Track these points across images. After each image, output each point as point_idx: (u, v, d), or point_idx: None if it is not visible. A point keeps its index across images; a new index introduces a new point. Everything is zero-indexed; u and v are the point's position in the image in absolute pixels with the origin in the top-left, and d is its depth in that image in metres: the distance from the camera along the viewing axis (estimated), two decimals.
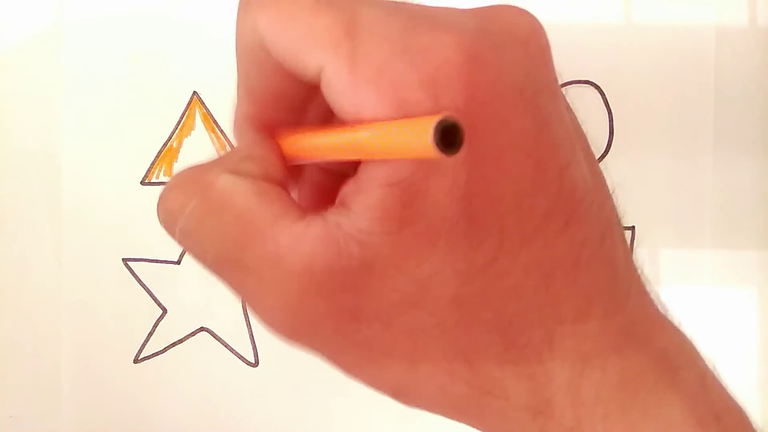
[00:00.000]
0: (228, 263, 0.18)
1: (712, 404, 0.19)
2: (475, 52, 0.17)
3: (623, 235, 0.21)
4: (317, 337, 0.19)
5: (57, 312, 0.33)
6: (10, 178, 0.33)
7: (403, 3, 0.18)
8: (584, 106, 0.32)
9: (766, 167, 0.31)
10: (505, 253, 0.18)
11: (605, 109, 0.31)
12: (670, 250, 0.31)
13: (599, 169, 0.21)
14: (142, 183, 0.32)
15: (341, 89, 0.16)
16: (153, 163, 0.33)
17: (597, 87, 0.31)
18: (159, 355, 0.33)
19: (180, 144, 0.33)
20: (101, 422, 0.33)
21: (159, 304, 0.33)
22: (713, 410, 0.19)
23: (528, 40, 0.18)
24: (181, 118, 0.33)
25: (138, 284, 0.33)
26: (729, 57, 0.31)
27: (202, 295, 0.33)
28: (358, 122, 0.16)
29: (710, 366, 0.20)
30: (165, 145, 0.33)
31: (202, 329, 0.33)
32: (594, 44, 0.31)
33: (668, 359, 0.19)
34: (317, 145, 0.19)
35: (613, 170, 0.31)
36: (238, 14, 0.19)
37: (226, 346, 0.33)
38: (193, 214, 0.18)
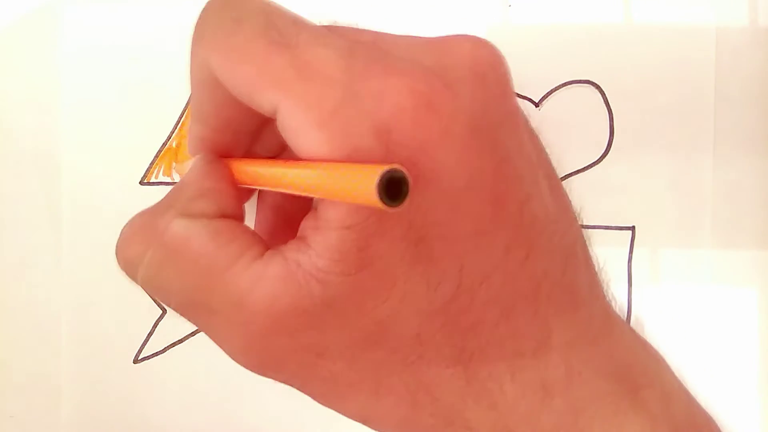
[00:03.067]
0: (191, 307, 0.19)
1: (675, 423, 0.19)
2: (427, 94, 0.17)
3: (589, 259, 0.21)
4: (284, 372, 0.19)
5: (57, 312, 0.33)
6: (10, 178, 0.33)
7: (357, 42, 0.18)
8: (584, 106, 0.32)
9: (767, 167, 0.31)
10: (464, 291, 0.18)
11: (606, 108, 0.31)
12: (670, 250, 0.31)
13: (563, 193, 0.21)
14: (142, 183, 0.32)
15: (294, 131, 0.16)
16: (152, 163, 0.33)
17: (597, 87, 0.31)
18: (159, 355, 0.33)
19: (180, 144, 0.33)
20: (101, 422, 0.33)
21: (159, 304, 0.33)
22: (677, 429, 0.19)
23: (486, 74, 0.18)
24: (181, 117, 0.33)
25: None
26: (729, 57, 0.31)
27: None
28: (309, 160, 0.16)
29: (677, 382, 0.21)
30: (164, 145, 0.33)
31: None
32: (594, 44, 0.31)
33: (630, 380, 0.19)
34: (268, 177, 0.19)
35: (613, 170, 0.31)
36: (191, 48, 0.19)
37: None
38: (151, 264, 0.19)
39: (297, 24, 0.18)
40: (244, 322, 0.18)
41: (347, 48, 0.17)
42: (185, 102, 0.33)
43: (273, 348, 0.18)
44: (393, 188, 0.14)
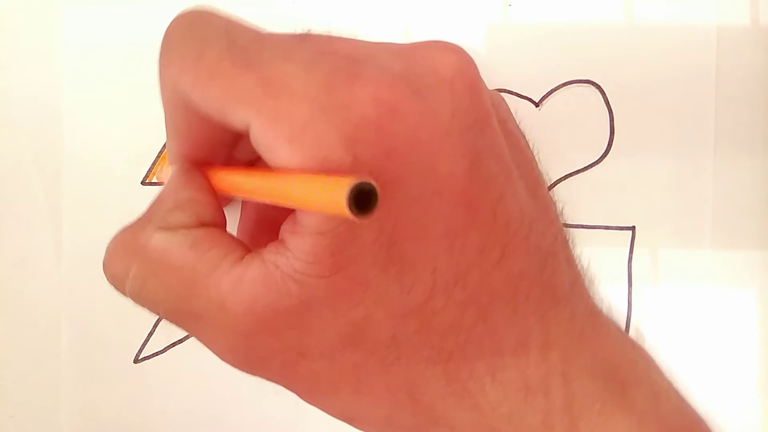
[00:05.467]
0: (179, 315, 0.19)
1: (664, 422, 0.20)
2: (394, 103, 0.17)
3: (570, 257, 0.21)
4: (269, 370, 0.20)
5: (57, 312, 0.33)
6: (10, 178, 0.33)
7: (323, 53, 0.18)
8: (585, 105, 0.32)
9: (767, 167, 0.31)
10: (439, 292, 0.18)
11: (606, 108, 0.31)
12: (670, 250, 0.31)
13: (543, 192, 0.21)
14: (143, 183, 0.32)
15: (267, 146, 0.17)
16: (154, 163, 0.33)
17: (597, 87, 0.31)
18: (159, 355, 0.33)
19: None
20: (101, 422, 0.33)
21: None
22: (665, 429, 0.19)
23: (454, 79, 0.18)
24: None
25: None
26: (730, 57, 0.31)
27: None
28: (282, 171, 0.17)
29: (666, 382, 0.21)
30: (165, 145, 0.33)
31: None
32: (594, 44, 0.31)
33: (618, 378, 0.20)
34: (244, 186, 0.19)
35: (613, 170, 0.31)
36: (159, 71, 0.19)
37: None
38: (136, 278, 0.19)
39: (260, 41, 0.18)
40: (228, 324, 0.18)
41: (311, 61, 0.17)
42: None
43: (257, 347, 0.18)
44: (362, 199, 0.14)
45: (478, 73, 0.19)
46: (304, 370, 0.19)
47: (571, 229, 0.31)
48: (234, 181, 0.20)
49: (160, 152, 0.33)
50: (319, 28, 0.31)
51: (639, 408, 0.19)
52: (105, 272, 0.20)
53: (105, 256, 0.20)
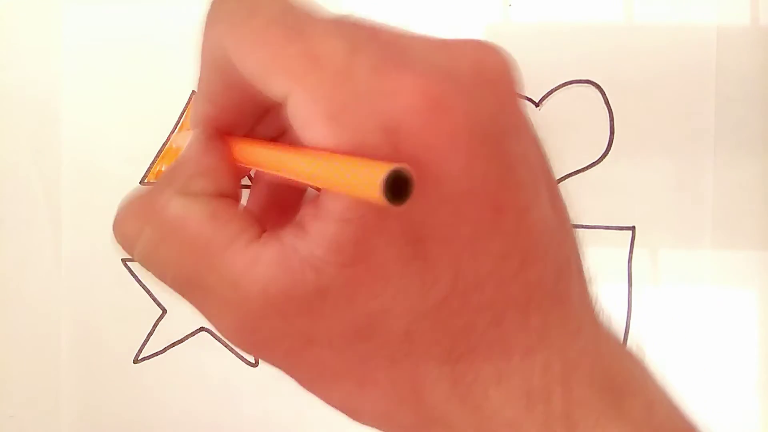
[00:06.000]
0: (187, 285, 0.19)
1: (657, 430, 0.19)
2: (440, 97, 0.17)
3: (581, 270, 0.21)
4: (273, 354, 0.19)
5: (57, 312, 0.33)
6: (10, 178, 0.33)
7: (375, 34, 0.18)
8: (585, 105, 0.32)
9: (767, 167, 0.31)
10: (458, 294, 0.18)
11: (606, 108, 0.31)
12: (670, 250, 0.31)
13: (562, 204, 0.21)
14: (142, 183, 0.33)
15: (303, 120, 0.16)
16: (153, 163, 0.33)
17: (598, 86, 0.31)
18: (159, 355, 0.33)
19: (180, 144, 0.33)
20: (101, 422, 0.33)
21: (159, 305, 0.33)
22: None
23: (497, 82, 0.18)
24: (181, 117, 0.33)
25: (138, 284, 0.33)
26: (730, 57, 0.31)
27: None
28: (314, 149, 0.16)
29: (661, 390, 0.21)
30: (165, 145, 0.33)
31: (202, 329, 0.33)
32: (594, 43, 0.31)
33: (615, 388, 0.19)
34: (271, 159, 0.19)
35: (613, 170, 0.31)
36: (204, 26, 0.19)
37: (226, 346, 0.33)
38: (149, 241, 0.19)
39: (313, 13, 0.17)
40: (238, 302, 0.18)
41: (362, 43, 0.17)
42: (186, 102, 0.33)
43: (264, 330, 0.18)
44: (396, 187, 0.14)
45: (519, 77, 0.19)
46: (309, 357, 0.19)
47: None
48: (260, 153, 0.19)
49: (160, 152, 0.33)
50: None
51: (635, 418, 0.19)
52: (114, 230, 0.20)
53: (117, 214, 0.20)
